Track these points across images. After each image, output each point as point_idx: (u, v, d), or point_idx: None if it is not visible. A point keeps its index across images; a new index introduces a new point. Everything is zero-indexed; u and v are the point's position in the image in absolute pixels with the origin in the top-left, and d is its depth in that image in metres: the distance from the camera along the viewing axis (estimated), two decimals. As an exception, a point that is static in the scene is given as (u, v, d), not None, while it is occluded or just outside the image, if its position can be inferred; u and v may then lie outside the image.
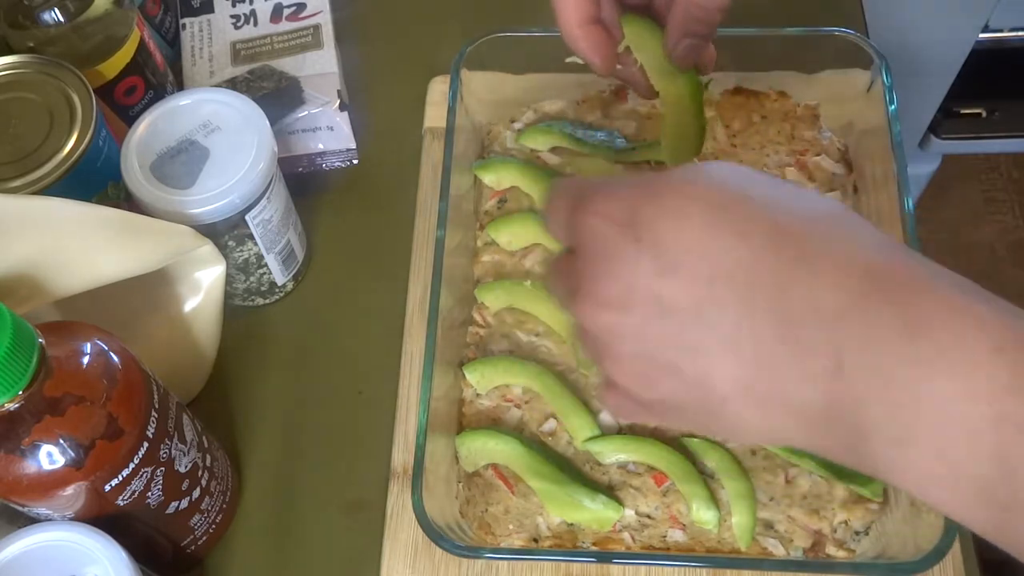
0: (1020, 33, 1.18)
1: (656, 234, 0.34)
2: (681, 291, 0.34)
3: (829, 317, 0.31)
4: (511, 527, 0.55)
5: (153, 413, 0.47)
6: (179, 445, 0.50)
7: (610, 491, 0.55)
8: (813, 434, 0.34)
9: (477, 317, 0.62)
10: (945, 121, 1.30)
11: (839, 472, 0.54)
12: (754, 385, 0.34)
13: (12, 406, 0.42)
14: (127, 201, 0.58)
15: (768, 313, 0.33)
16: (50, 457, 0.44)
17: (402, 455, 0.60)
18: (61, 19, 0.60)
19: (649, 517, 0.55)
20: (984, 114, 1.31)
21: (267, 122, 0.59)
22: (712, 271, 0.33)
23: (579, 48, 0.51)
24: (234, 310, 0.65)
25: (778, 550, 0.54)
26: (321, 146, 0.71)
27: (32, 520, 0.48)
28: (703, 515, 0.54)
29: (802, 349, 0.32)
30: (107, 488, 0.46)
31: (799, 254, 0.33)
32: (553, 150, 0.67)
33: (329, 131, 0.70)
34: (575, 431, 0.57)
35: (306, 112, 0.68)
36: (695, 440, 0.56)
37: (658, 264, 0.34)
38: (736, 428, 0.36)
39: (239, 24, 0.73)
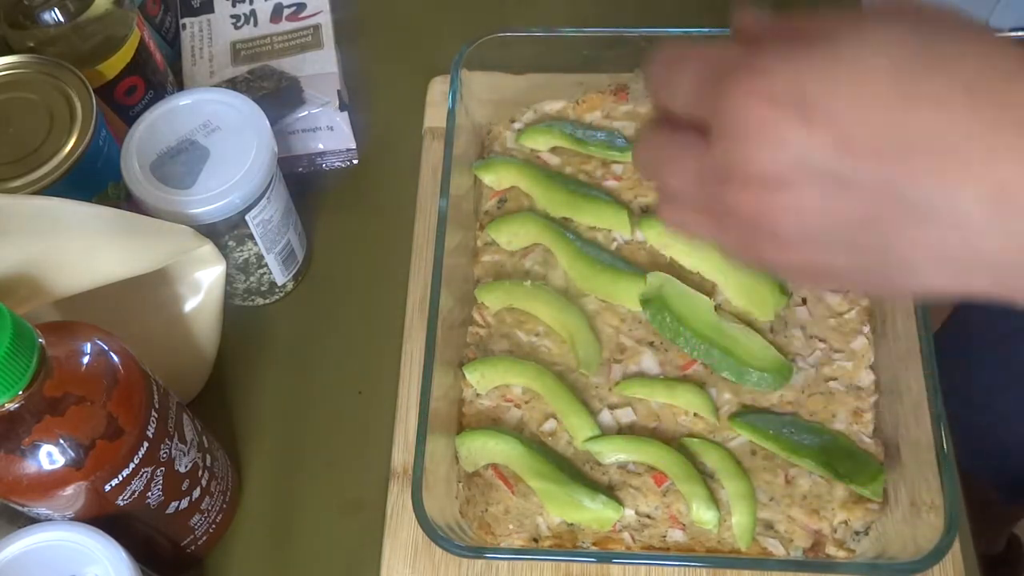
0: (1020, 33, 1.19)
1: (829, 113, 0.32)
2: (865, 165, 0.32)
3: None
4: (511, 527, 0.55)
5: (153, 413, 0.47)
6: (179, 445, 0.50)
7: (610, 491, 0.55)
8: (1006, 288, 0.33)
9: (477, 317, 0.62)
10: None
11: (839, 472, 0.54)
12: (950, 254, 0.32)
13: (12, 406, 0.42)
14: (127, 201, 0.58)
15: (970, 180, 0.31)
16: (50, 457, 0.44)
17: (402, 455, 0.60)
18: (61, 19, 0.60)
19: (649, 517, 0.55)
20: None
21: (267, 122, 0.59)
22: (904, 142, 0.31)
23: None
24: (234, 310, 0.65)
25: (778, 550, 0.54)
26: (321, 146, 0.71)
27: (32, 520, 0.48)
28: (703, 515, 0.54)
29: (1007, 207, 0.30)
30: (107, 488, 0.46)
31: (1005, 115, 0.30)
32: (553, 150, 0.67)
33: (329, 131, 0.70)
34: (575, 431, 0.57)
35: (306, 112, 0.68)
36: (695, 440, 0.56)
37: (836, 140, 0.32)
38: (910, 285, 0.35)
39: (239, 24, 0.73)
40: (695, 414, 0.57)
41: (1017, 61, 0.31)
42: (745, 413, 0.57)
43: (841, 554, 0.53)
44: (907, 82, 0.31)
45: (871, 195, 0.32)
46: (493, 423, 0.58)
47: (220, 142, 0.58)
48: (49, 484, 0.44)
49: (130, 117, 0.64)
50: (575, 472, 0.56)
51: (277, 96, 0.68)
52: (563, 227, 0.63)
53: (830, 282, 0.37)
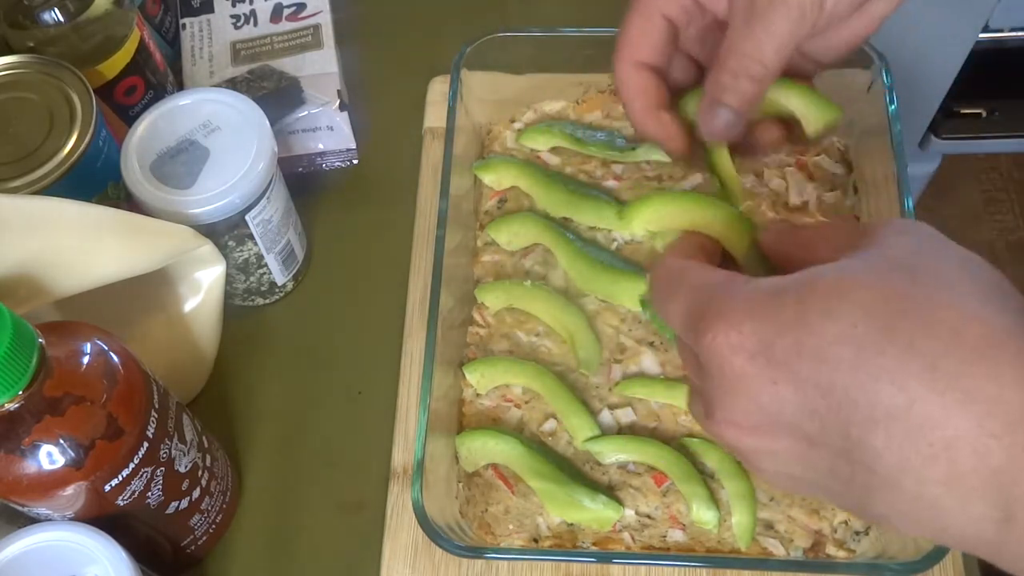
0: (1020, 33, 1.18)
1: (796, 378, 0.33)
2: (829, 430, 0.33)
3: (983, 455, 0.30)
4: (511, 527, 0.55)
5: (153, 413, 0.47)
6: (179, 445, 0.50)
7: (610, 491, 0.55)
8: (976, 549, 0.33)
9: (477, 317, 0.62)
10: (945, 121, 1.30)
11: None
12: (920, 518, 0.33)
13: (12, 406, 0.42)
14: (127, 201, 0.58)
15: (928, 460, 0.31)
16: (50, 457, 0.44)
17: (402, 455, 0.60)
18: (61, 19, 0.60)
19: (649, 517, 0.55)
20: (984, 114, 1.31)
21: (267, 122, 0.59)
22: (865, 415, 0.32)
23: (651, 134, 0.50)
24: (234, 310, 0.65)
25: (778, 550, 0.54)
26: (321, 146, 0.71)
27: (32, 520, 0.48)
28: (703, 515, 0.54)
29: (964, 490, 0.31)
30: (107, 488, 0.46)
31: (957, 400, 0.30)
32: (553, 150, 0.67)
33: (329, 131, 0.70)
34: (575, 431, 0.57)
35: (306, 112, 0.68)
36: (695, 440, 0.56)
37: (802, 407, 0.33)
38: (884, 519, 0.35)
39: (239, 24, 0.73)
40: (695, 414, 0.57)
41: (983, 338, 0.31)
42: (745, 413, 0.57)
43: (841, 554, 0.53)
44: (870, 355, 0.32)
45: (838, 455, 0.33)
46: (493, 423, 0.58)
47: (220, 142, 0.58)
48: (49, 484, 0.44)
49: (130, 117, 0.64)
50: (575, 472, 0.56)
51: (277, 96, 0.68)
52: (563, 227, 0.63)
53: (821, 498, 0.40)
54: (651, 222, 0.60)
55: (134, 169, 0.57)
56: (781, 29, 0.44)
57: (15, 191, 0.54)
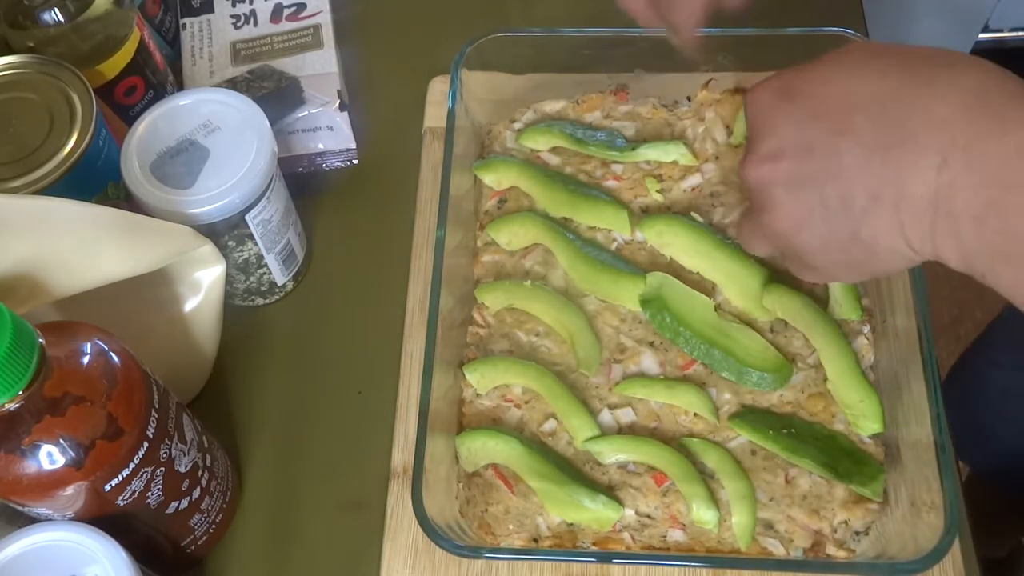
0: (1020, 33, 1.19)
1: (804, 91, 0.42)
2: (824, 130, 0.41)
3: (941, 123, 0.38)
4: (511, 527, 0.55)
5: (153, 413, 0.47)
6: (179, 445, 0.50)
7: (610, 491, 0.55)
8: (925, 229, 0.40)
9: (477, 317, 0.62)
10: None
11: (839, 472, 0.54)
12: (881, 192, 0.40)
13: (12, 406, 0.42)
14: (127, 201, 0.58)
15: (894, 127, 0.39)
16: (50, 457, 0.44)
17: (402, 455, 0.60)
18: (61, 19, 0.60)
19: (649, 517, 0.55)
20: (984, 114, 1.31)
21: (267, 122, 0.59)
22: (850, 106, 0.41)
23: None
24: (234, 310, 0.65)
25: (778, 550, 0.54)
26: (321, 146, 0.71)
27: (32, 520, 0.48)
28: (703, 515, 0.54)
29: (918, 151, 0.39)
30: (107, 488, 0.46)
31: (926, 83, 0.39)
32: (553, 150, 0.67)
33: (329, 131, 0.70)
34: (575, 431, 0.57)
35: (306, 112, 0.68)
36: (695, 440, 0.56)
37: (806, 113, 0.42)
38: (874, 246, 0.42)
39: (239, 24, 0.73)
40: (695, 414, 0.57)
41: (954, 54, 0.41)
42: (745, 413, 0.57)
43: (841, 554, 0.53)
44: (860, 65, 0.42)
45: (827, 153, 0.41)
46: (493, 423, 0.58)
47: (220, 142, 0.58)
48: (49, 484, 0.44)
49: (130, 117, 0.64)
50: (575, 472, 0.56)
51: (277, 96, 0.68)
52: (563, 227, 0.63)
53: (829, 256, 0.45)
54: (665, 245, 0.61)
55: (134, 169, 0.57)
56: None
57: (15, 191, 0.54)
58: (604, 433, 0.57)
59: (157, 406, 0.48)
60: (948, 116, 0.38)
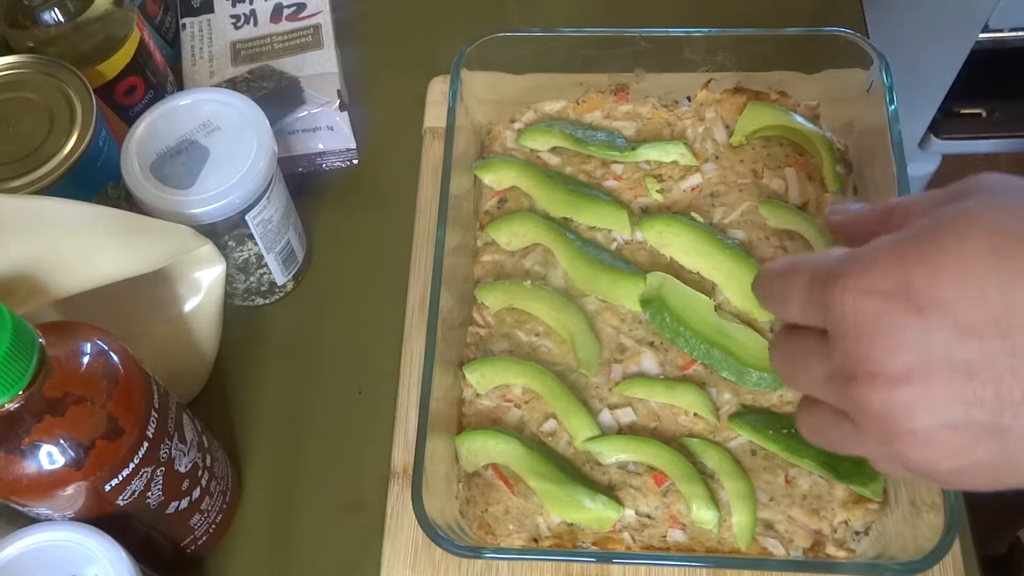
0: (1020, 33, 1.19)
1: (941, 301, 0.33)
2: (989, 348, 0.32)
3: None
4: (511, 527, 0.55)
5: (153, 413, 0.47)
6: (179, 445, 0.50)
7: (610, 491, 0.55)
8: None
9: (477, 317, 0.62)
10: (945, 121, 1.30)
11: (839, 472, 0.54)
12: None
13: (12, 406, 0.42)
14: (127, 201, 0.58)
15: None
16: (50, 457, 0.44)
17: (402, 455, 0.60)
18: (61, 19, 0.60)
19: (649, 517, 0.55)
20: (984, 114, 1.31)
21: (267, 122, 0.59)
22: (1016, 322, 0.32)
23: None
24: (234, 310, 0.65)
25: (778, 550, 0.54)
26: (321, 146, 0.71)
27: (32, 520, 0.48)
28: (703, 515, 0.54)
29: None
30: (107, 488, 0.46)
31: None
32: (553, 150, 0.67)
33: (329, 131, 0.70)
34: (575, 431, 0.57)
35: (306, 112, 0.68)
36: (695, 440, 0.56)
37: (953, 331, 0.33)
38: None
39: (239, 24, 0.73)
40: (695, 414, 0.57)
41: None
42: (745, 413, 0.57)
43: (841, 554, 0.53)
44: (1011, 262, 0.32)
45: (1000, 371, 0.32)
46: (493, 423, 0.58)
47: (220, 142, 0.58)
48: (49, 484, 0.44)
49: (130, 117, 0.64)
50: (575, 472, 0.56)
51: (277, 96, 0.68)
52: (563, 227, 0.63)
53: (980, 478, 0.36)
54: (665, 245, 0.61)
55: (134, 169, 0.57)
56: None
57: (15, 191, 0.54)
58: (604, 433, 0.57)
59: (157, 406, 0.48)
60: None
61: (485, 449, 0.56)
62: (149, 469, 0.48)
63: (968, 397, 0.33)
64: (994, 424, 0.33)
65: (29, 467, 0.44)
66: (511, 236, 0.63)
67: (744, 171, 0.64)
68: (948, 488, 0.40)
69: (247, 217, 0.58)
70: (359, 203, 0.71)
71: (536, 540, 0.55)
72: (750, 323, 0.59)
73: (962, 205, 0.34)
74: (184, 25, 0.73)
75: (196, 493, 0.53)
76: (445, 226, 0.58)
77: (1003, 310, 0.32)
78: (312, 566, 0.58)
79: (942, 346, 0.33)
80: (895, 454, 0.36)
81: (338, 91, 0.69)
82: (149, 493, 0.49)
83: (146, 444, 0.47)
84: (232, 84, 0.69)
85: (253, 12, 0.73)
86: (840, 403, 0.37)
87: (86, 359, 0.45)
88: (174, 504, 0.51)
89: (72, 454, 0.44)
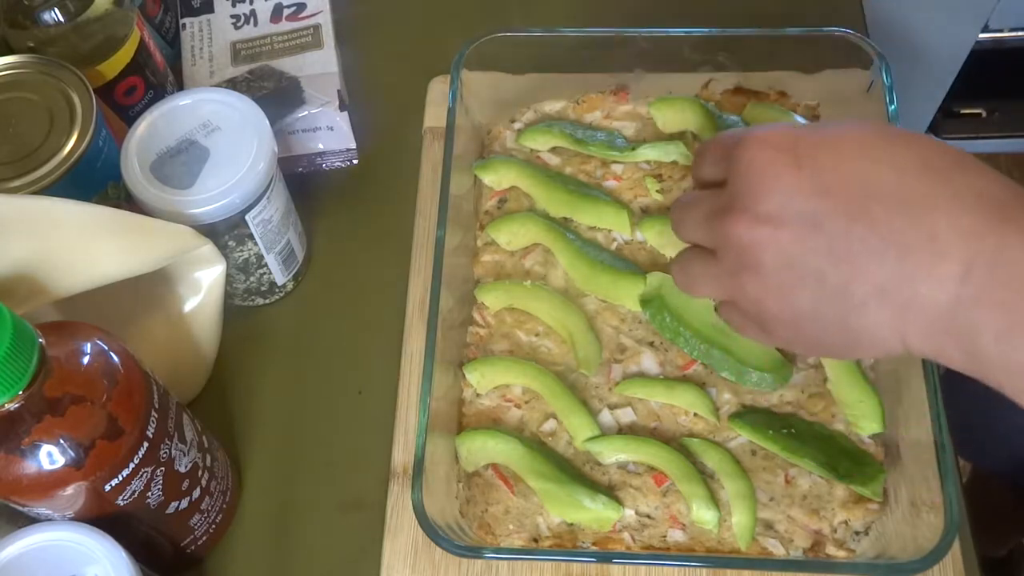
0: (1020, 33, 1.19)
1: (816, 160, 0.40)
2: (836, 208, 0.40)
3: (966, 233, 0.37)
4: (511, 527, 0.55)
5: (153, 413, 0.47)
6: (179, 445, 0.50)
7: (610, 491, 0.55)
8: (933, 334, 0.39)
9: (477, 317, 0.62)
10: (945, 121, 1.30)
11: (839, 472, 0.54)
12: (890, 288, 0.39)
13: (12, 406, 0.42)
14: (127, 201, 0.58)
15: (913, 228, 0.38)
16: (50, 457, 0.44)
17: (402, 455, 0.60)
18: (61, 19, 0.60)
19: (649, 517, 0.55)
20: (984, 114, 1.31)
21: (267, 122, 0.59)
22: (867, 193, 0.39)
23: None
24: (234, 310, 0.65)
25: (778, 550, 0.54)
26: (321, 146, 0.71)
27: (32, 520, 0.48)
28: (703, 515, 0.54)
29: (939, 257, 0.38)
30: (107, 488, 0.46)
31: (945, 185, 0.39)
32: (553, 150, 0.67)
33: (329, 131, 0.70)
34: (575, 431, 0.57)
35: (306, 112, 0.68)
36: (695, 440, 0.56)
37: (816, 185, 0.40)
38: (861, 335, 0.41)
39: (239, 24, 0.73)
40: (695, 414, 0.57)
41: (962, 153, 0.40)
42: (745, 413, 0.57)
43: (841, 554, 0.53)
44: (877, 150, 0.41)
45: (836, 230, 0.40)
46: (493, 423, 0.58)
47: (220, 142, 0.58)
48: (49, 484, 0.44)
49: (130, 117, 0.64)
50: (575, 472, 0.56)
51: (277, 96, 0.68)
52: (563, 227, 0.63)
53: (799, 333, 0.44)
54: (665, 245, 0.61)
55: (134, 169, 0.57)
56: None
57: (15, 191, 0.54)
58: (604, 433, 0.57)
59: (157, 406, 0.48)
60: (972, 226, 0.37)
61: (485, 449, 0.56)
62: (149, 469, 0.48)
63: (806, 244, 0.40)
64: (818, 271, 0.40)
65: (29, 467, 0.44)
66: (511, 236, 0.63)
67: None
68: (762, 338, 0.47)
69: (247, 217, 0.58)
70: (359, 203, 0.71)
71: (536, 540, 0.55)
72: (750, 323, 0.59)
73: (836, 122, 0.47)
74: (184, 25, 0.73)
75: (196, 493, 0.53)
76: (445, 226, 0.58)
77: (854, 181, 0.40)
78: (312, 566, 0.58)
79: (803, 199, 0.40)
80: (737, 288, 0.43)
81: (338, 91, 0.69)
82: (149, 493, 0.49)
83: (146, 444, 0.47)
84: (232, 84, 0.69)
85: (253, 12, 0.73)
86: (709, 237, 0.44)
87: (86, 359, 0.45)
88: (174, 504, 0.51)
89: (72, 454, 0.44)
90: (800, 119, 0.65)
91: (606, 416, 0.58)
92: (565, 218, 0.63)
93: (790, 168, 0.40)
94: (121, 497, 0.47)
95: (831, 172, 0.40)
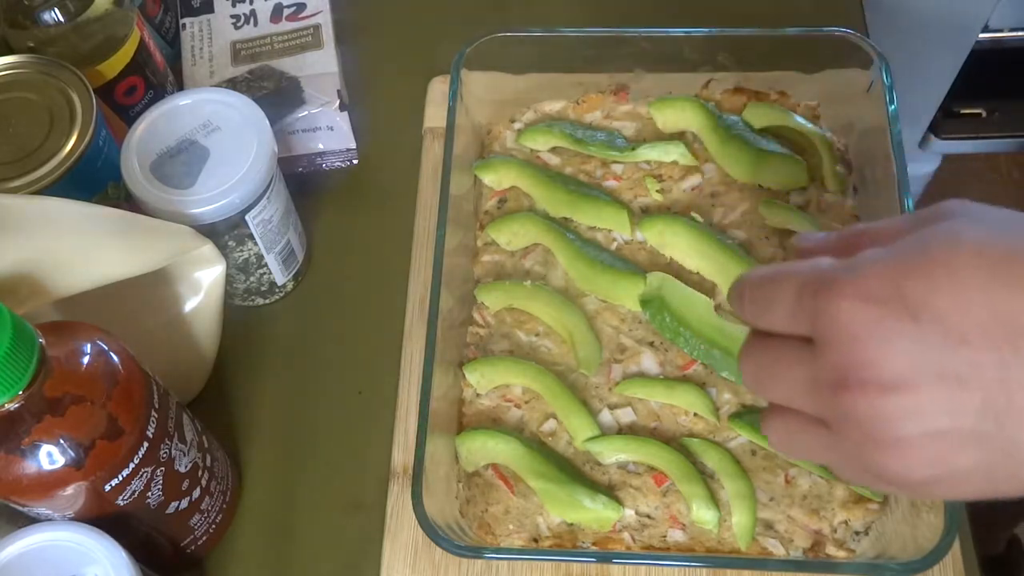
0: (1020, 33, 1.19)
1: (934, 305, 0.33)
2: (981, 358, 0.33)
3: None
4: (511, 527, 0.55)
5: (153, 413, 0.47)
6: (179, 445, 0.50)
7: (610, 491, 0.55)
8: None
9: (477, 317, 0.62)
10: (945, 121, 1.30)
11: (839, 472, 0.54)
12: None
13: (12, 406, 0.42)
14: (127, 201, 0.58)
15: None
16: (50, 457, 0.44)
17: (402, 455, 0.60)
18: (61, 19, 0.60)
19: (649, 517, 0.55)
20: (984, 114, 1.31)
21: (267, 122, 0.59)
22: (1013, 328, 0.32)
23: None
24: (234, 310, 0.65)
25: (778, 550, 0.54)
26: (321, 146, 0.71)
27: (32, 520, 0.48)
28: (703, 515, 0.54)
29: None
30: (107, 488, 0.46)
31: None
32: (553, 150, 0.67)
33: (329, 131, 0.70)
34: (575, 431, 0.57)
35: (306, 112, 0.68)
36: (695, 440, 0.56)
37: (946, 336, 0.33)
38: None
39: (239, 24, 0.73)
40: (695, 414, 0.57)
41: None
42: (745, 413, 0.57)
43: (841, 554, 0.53)
44: (999, 268, 0.32)
45: (989, 381, 0.33)
46: (493, 423, 0.58)
47: (220, 142, 0.58)
48: (49, 484, 0.44)
49: (130, 117, 0.64)
50: (575, 472, 0.56)
51: (277, 96, 0.68)
52: (563, 227, 0.63)
53: (955, 488, 0.36)
54: (665, 245, 0.61)
55: (134, 169, 0.57)
56: None
57: (15, 191, 0.54)
58: (604, 433, 0.57)
59: (157, 406, 0.48)
60: None
61: (485, 449, 0.56)
62: (149, 469, 0.48)
63: (956, 406, 0.33)
64: (976, 432, 0.33)
65: (29, 467, 0.44)
66: (511, 236, 0.63)
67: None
68: (914, 497, 0.40)
69: (247, 217, 0.58)
70: (359, 203, 0.71)
71: (536, 540, 0.55)
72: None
73: (945, 225, 0.34)
74: (184, 25, 0.73)
75: (196, 493, 0.53)
76: (445, 226, 0.58)
77: (992, 320, 0.32)
78: (312, 566, 0.58)
79: (934, 354, 0.33)
80: (871, 463, 0.36)
81: (338, 91, 0.69)
82: (149, 493, 0.49)
83: (146, 444, 0.47)
84: (232, 84, 0.69)
85: (253, 12, 0.73)
86: (819, 410, 0.36)
87: (86, 359, 0.45)
88: (174, 504, 0.51)
89: (72, 454, 0.44)
90: (801, 120, 0.65)
91: (606, 416, 0.58)
92: (565, 218, 0.63)
93: (905, 323, 0.33)
94: (121, 497, 0.47)
95: (958, 315, 0.33)
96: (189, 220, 0.56)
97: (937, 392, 0.33)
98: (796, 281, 0.36)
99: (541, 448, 0.57)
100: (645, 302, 0.59)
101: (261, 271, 0.64)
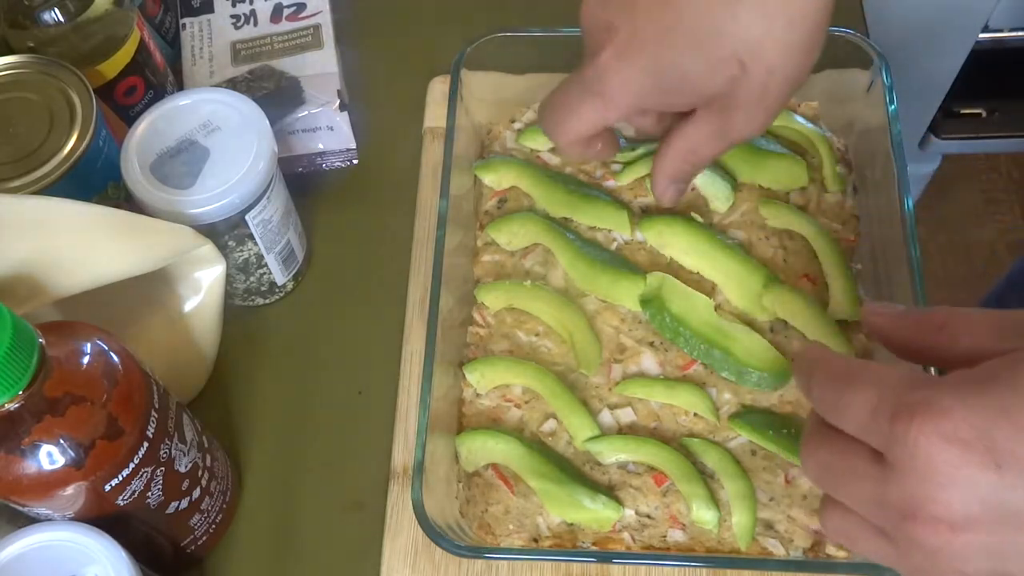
0: (1020, 33, 1.19)
1: (1020, 460, 0.32)
2: None
3: None
4: (511, 527, 0.55)
5: (153, 413, 0.47)
6: (179, 445, 0.50)
7: (610, 491, 0.55)
8: None
9: (477, 317, 0.62)
10: (945, 121, 1.30)
11: (839, 472, 0.54)
12: None
13: (12, 406, 0.42)
14: (127, 201, 0.58)
15: None
16: (50, 457, 0.44)
17: (402, 455, 0.60)
18: (61, 19, 0.60)
19: (649, 517, 0.55)
20: (984, 114, 1.31)
21: (267, 122, 0.59)
22: None
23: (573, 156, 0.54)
24: (234, 310, 0.65)
25: (778, 550, 0.54)
26: (321, 146, 0.71)
27: (32, 520, 0.48)
28: (703, 515, 0.54)
29: None
30: (107, 488, 0.46)
31: None
32: (553, 150, 0.67)
33: (329, 131, 0.70)
34: (575, 431, 0.57)
35: (306, 112, 0.68)
36: (695, 440, 0.56)
37: (1017, 482, 0.32)
38: None
39: (239, 24, 0.73)
40: (695, 414, 0.57)
41: None
42: (745, 413, 0.57)
43: (841, 554, 0.53)
44: None
45: None
46: (493, 423, 0.58)
47: (220, 142, 0.58)
48: (49, 484, 0.44)
49: (130, 117, 0.64)
50: (575, 472, 0.56)
51: (277, 96, 0.68)
52: (563, 227, 0.63)
53: None
54: (665, 245, 0.61)
55: (134, 169, 0.57)
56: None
57: (15, 191, 0.54)
58: (604, 433, 0.57)
59: (157, 406, 0.48)
60: None
61: (485, 449, 0.56)
62: (149, 469, 0.48)
63: (1010, 546, 0.33)
64: None
65: (29, 467, 0.44)
66: (511, 236, 0.63)
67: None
68: None
69: (247, 217, 0.58)
70: (359, 203, 0.71)
71: (536, 540, 0.55)
72: (750, 323, 0.59)
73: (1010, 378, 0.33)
74: (184, 25, 0.73)
75: (196, 493, 0.53)
76: (445, 226, 0.58)
77: None
78: (312, 566, 0.58)
79: (1015, 503, 0.33)
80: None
81: (338, 91, 0.69)
82: (149, 493, 0.49)
83: (146, 444, 0.47)
84: (232, 84, 0.69)
85: (253, 12, 0.73)
86: (886, 527, 0.36)
87: (86, 359, 0.45)
88: (174, 504, 0.51)
89: (72, 454, 0.44)
90: (803, 120, 0.65)
91: (606, 416, 0.58)
92: (565, 218, 0.63)
93: (986, 471, 0.32)
94: (121, 497, 0.47)
95: None
96: (189, 220, 0.56)
97: (1009, 535, 0.33)
98: (873, 394, 0.35)
99: (541, 448, 0.57)
100: (645, 302, 0.59)
101: (261, 271, 0.64)
